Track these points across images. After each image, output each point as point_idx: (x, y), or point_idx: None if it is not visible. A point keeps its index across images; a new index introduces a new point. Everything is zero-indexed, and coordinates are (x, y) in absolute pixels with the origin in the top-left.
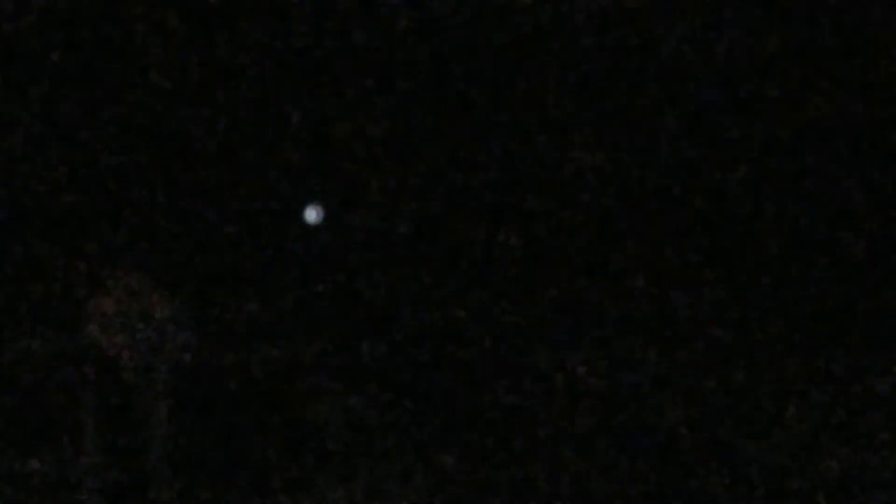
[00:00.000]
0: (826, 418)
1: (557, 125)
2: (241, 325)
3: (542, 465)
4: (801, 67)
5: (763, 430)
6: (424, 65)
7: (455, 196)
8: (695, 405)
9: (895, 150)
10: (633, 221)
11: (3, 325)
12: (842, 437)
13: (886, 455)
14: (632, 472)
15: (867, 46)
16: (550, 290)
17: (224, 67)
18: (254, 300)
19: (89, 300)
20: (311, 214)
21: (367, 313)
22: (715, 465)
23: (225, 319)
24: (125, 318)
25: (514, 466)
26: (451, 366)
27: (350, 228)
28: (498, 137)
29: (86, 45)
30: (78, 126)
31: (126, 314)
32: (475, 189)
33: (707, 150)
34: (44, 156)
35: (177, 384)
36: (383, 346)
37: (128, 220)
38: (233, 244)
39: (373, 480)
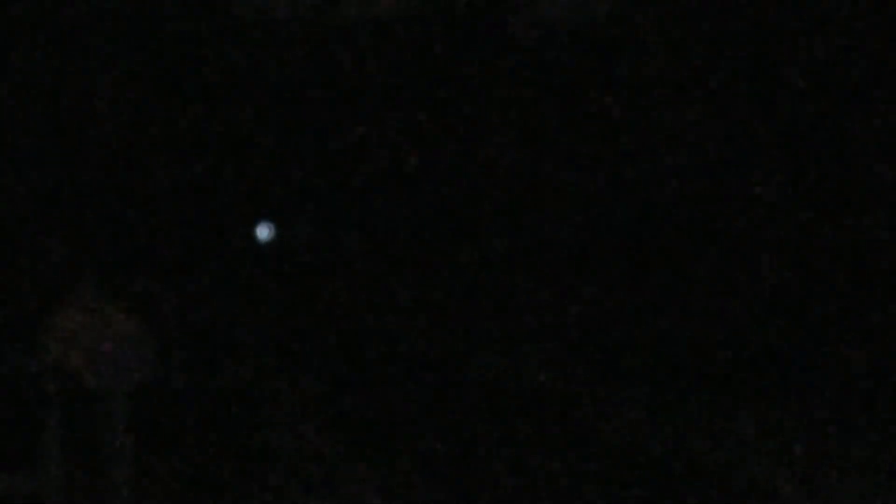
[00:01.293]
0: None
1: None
2: (201, 342)
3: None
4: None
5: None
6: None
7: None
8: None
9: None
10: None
11: None
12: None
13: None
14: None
15: None
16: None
17: (183, 84)
18: (214, 317)
19: (48, 316)
20: (263, 232)
21: (327, 331)
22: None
23: (184, 336)
24: (83, 335)
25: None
26: (412, 389)
27: (313, 247)
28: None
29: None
30: (29, 140)
31: (84, 330)
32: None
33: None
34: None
35: (135, 401)
36: (343, 365)
37: (86, 235)
38: (192, 260)
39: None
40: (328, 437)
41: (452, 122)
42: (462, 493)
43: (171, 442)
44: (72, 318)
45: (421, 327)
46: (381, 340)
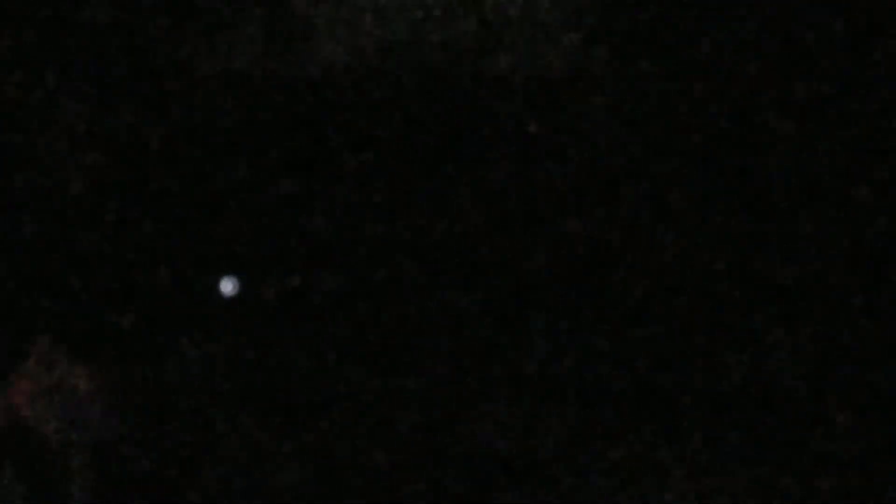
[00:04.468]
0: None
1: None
2: (163, 395)
3: None
4: None
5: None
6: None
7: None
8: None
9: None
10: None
11: None
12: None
13: None
14: None
15: None
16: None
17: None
18: (175, 371)
19: (9, 372)
20: (227, 286)
21: (297, 386)
22: None
23: (146, 390)
24: (45, 390)
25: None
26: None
27: (280, 300)
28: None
29: None
30: None
31: (46, 386)
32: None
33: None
34: None
35: (97, 457)
36: (314, 420)
37: (48, 290)
38: (154, 313)
39: None
40: (302, 493)
41: (431, 177)
42: None
43: (130, 498)
44: (29, 375)
45: (392, 383)
46: (350, 395)
